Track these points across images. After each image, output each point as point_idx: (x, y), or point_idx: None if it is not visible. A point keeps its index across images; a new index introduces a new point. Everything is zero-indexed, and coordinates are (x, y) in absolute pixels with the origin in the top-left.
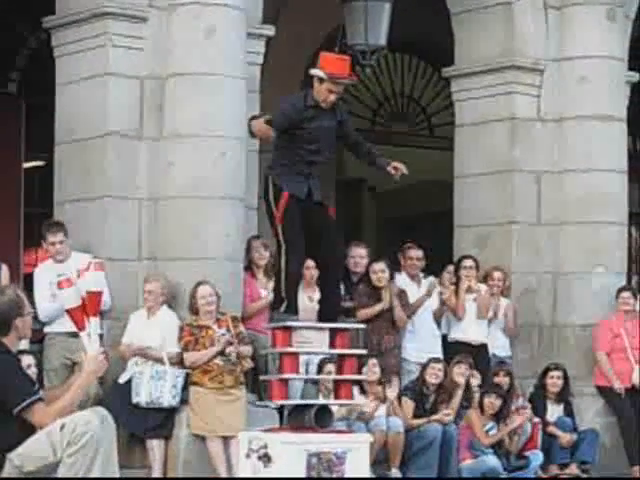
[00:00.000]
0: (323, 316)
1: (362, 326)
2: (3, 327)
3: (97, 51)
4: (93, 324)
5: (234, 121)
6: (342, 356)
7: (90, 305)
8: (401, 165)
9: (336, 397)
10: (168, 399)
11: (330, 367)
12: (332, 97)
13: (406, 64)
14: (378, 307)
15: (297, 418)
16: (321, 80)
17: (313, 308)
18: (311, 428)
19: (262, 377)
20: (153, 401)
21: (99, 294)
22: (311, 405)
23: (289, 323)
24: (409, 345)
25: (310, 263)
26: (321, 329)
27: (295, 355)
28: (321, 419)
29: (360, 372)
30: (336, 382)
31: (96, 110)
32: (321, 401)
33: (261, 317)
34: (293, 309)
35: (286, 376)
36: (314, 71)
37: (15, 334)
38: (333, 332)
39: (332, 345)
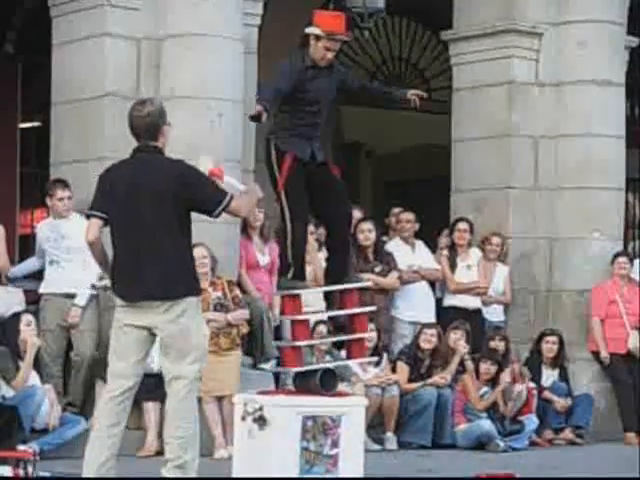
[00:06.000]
0: (332, 275)
1: (368, 284)
2: (153, 133)
3: (94, 11)
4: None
5: (231, 83)
6: (352, 316)
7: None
8: (417, 91)
9: (349, 357)
10: (158, 364)
11: (322, 328)
12: (329, 55)
13: (404, 27)
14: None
15: (302, 383)
16: (317, 38)
17: None
18: (317, 392)
19: (275, 343)
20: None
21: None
22: (315, 369)
23: (297, 291)
24: (401, 304)
25: None
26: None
27: (306, 322)
28: (326, 383)
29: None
30: (348, 342)
31: (93, 71)
32: (332, 364)
33: (258, 279)
34: (300, 275)
35: (299, 343)
36: (310, 29)
37: (163, 140)
38: (342, 293)
39: (342, 306)
